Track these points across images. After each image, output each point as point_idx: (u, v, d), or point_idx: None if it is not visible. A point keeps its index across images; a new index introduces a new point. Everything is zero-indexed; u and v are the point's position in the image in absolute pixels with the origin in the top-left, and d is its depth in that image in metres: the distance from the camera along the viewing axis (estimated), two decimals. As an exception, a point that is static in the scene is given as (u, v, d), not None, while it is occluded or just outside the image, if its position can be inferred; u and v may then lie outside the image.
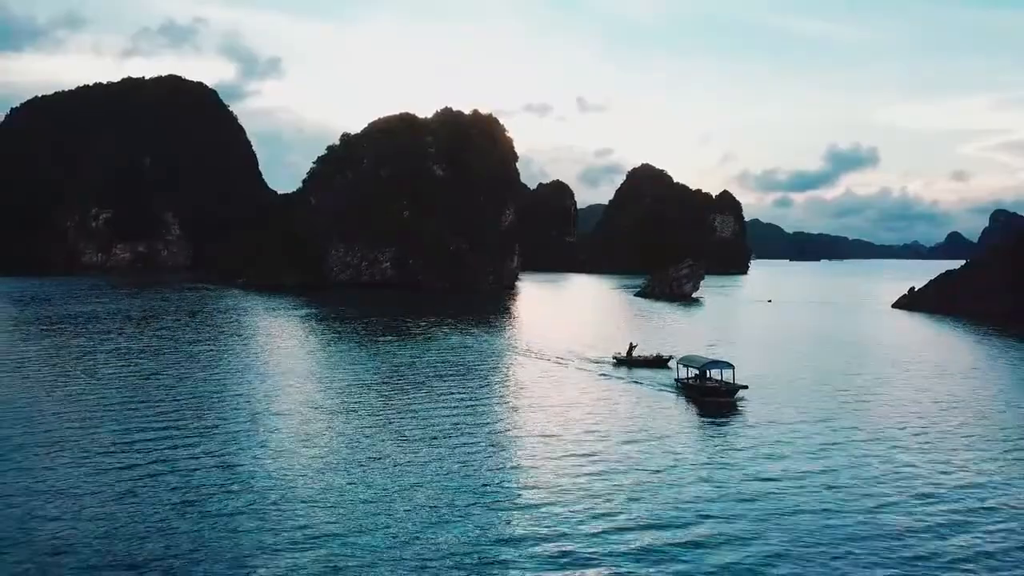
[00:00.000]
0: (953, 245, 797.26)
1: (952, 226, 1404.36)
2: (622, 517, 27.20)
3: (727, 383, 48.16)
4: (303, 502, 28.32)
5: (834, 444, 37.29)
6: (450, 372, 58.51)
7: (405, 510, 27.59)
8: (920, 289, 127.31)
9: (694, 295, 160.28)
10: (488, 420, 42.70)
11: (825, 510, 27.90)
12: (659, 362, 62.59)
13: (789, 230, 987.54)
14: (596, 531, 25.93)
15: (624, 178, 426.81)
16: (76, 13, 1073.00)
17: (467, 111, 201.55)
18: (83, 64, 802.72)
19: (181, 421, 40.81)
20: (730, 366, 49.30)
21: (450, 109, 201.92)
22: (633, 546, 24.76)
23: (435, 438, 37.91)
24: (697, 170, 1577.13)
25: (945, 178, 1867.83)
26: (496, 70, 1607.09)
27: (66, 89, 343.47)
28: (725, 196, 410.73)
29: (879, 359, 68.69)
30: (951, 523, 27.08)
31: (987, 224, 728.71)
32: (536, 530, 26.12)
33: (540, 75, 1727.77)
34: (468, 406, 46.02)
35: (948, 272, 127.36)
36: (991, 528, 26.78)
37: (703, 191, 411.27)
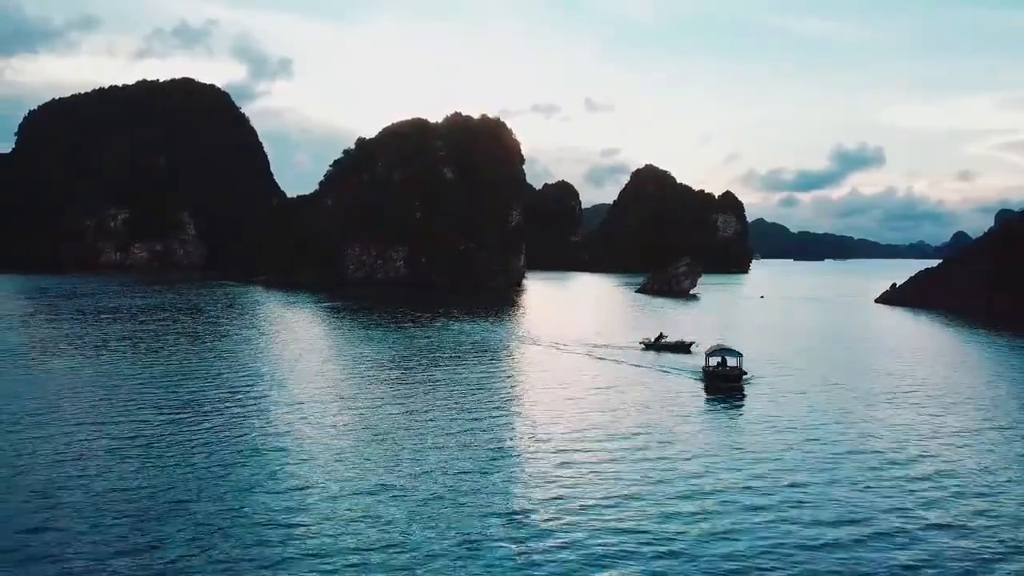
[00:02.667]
0: (959, 245, 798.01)
1: (958, 226, 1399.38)
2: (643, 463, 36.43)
3: (737, 369, 56.78)
4: (337, 467, 34.70)
5: (813, 409, 47.46)
6: (479, 354, 67.72)
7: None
8: (901, 286, 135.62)
9: (692, 291, 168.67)
10: (522, 397, 52.14)
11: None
12: (682, 347, 69.90)
13: (794, 230, 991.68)
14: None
15: (629, 178, 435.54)
16: (90, 15, 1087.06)
17: (474, 112, 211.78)
18: (97, 65, 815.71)
19: (251, 387, 50.72)
20: (740, 354, 57.99)
21: (459, 114, 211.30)
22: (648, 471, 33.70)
23: (484, 408, 47.43)
24: (702, 169, 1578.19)
25: (951, 178, 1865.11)
26: (500, 70, 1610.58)
27: (81, 91, 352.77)
28: (727, 196, 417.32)
29: (851, 345, 77.86)
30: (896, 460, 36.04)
31: (992, 224, 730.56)
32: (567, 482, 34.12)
33: (544, 76, 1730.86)
34: (506, 384, 55.56)
35: (926, 269, 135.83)
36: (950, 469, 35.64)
37: (706, 191, 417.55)
